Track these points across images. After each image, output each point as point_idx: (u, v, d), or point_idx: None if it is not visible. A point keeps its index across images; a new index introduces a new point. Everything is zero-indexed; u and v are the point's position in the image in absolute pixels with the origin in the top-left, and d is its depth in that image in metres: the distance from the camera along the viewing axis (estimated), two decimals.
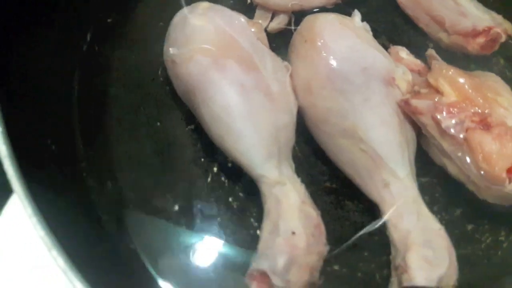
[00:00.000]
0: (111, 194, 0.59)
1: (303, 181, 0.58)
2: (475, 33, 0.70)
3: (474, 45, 0.70)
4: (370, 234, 0.58)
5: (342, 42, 0.62)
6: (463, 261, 0.58)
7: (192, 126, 0.62)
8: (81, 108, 0.62)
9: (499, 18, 0.73)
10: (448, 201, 0.62)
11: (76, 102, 0.62)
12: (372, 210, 0.59)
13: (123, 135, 0.63)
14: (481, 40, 0.70)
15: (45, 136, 0.54)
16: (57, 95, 0.60)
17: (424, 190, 0.61)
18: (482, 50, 0.70)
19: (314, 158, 0.63)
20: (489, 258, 0.61)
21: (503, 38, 0.70)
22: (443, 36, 0.72)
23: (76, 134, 0.60)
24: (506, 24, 0.72)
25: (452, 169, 0.60)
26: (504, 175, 0.55)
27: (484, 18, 0.71)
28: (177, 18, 0.65)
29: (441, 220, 0.59)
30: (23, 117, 0.51)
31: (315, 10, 0.71)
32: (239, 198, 0.60)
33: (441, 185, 0.62)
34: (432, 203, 0.61)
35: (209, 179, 0.61)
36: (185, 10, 0.65)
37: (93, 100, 0.64)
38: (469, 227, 0.62)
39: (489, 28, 0.69)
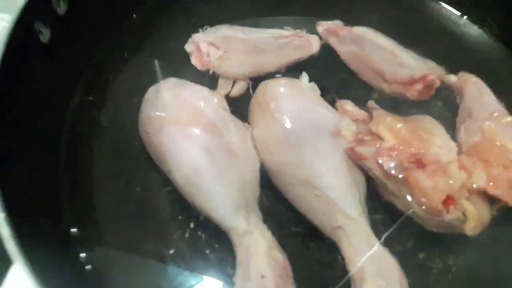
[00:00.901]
0: (99, 254, 0.65)
1: (271, 227, 0.66)
2: (412, 81, 0.78)
3: (413, 92, 0.78)
4: (334, 269, 0.65)
5: (292, 103, 0.71)
6: (418, 286, 0.66)
7: (169, 188, 0.69)
8: (67, 180, 0.70)
9: (433, 65, 0.82)
10: (400, 234, 0.68)
11: (63, 173, 0.70)
12: (333, 248, 0.66)
13: (106, 200, 0.70)
14: (418, 87, 0.78)
15: (39, 214, 0.61)
16: (45, 173, 0.68)
17: (379, 225, 0.69)
18: (420, 95, 0.79)
19: (280, 206, 0.70)
20: (441, 282, 0.67)
21: (438, 83, 0.79)
22: (384, 86, 0.80)
23: (65, 208, 0.67)
24: (440, 70, 0.82)
25: (399, 205, 0.68)
26: (440, 206, 0.63)
27: (420, 67, 0.80)
28: (149, 94, 0.74)
29: (395, 252, 0.65)
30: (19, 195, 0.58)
31: (270, 74, 0.80)
32: (215, 249, 0.67)
33: (392, 220, 0.68)
34: (386, 237, 0.67)
35: (187, 235, 0.67)
36: (156, 86, 0.75)
37: (78, 171, 0.71)
38: (421, 255, 0.69)
39: (425, 76, 0.78)
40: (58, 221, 0.65)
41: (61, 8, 0.71)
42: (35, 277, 0.49)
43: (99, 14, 0.78)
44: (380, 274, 0.62)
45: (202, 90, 0.73)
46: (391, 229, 0.67)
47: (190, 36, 0.81)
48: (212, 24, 0.83)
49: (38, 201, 0.63)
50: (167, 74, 0.78)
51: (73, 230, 0.66)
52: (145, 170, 0.72)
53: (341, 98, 0.78)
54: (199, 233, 0.68)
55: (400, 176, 0.65)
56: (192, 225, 0.68)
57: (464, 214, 0.64)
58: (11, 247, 0.50)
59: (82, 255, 0.65)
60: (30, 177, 0.63)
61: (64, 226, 0.65)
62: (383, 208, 0.70)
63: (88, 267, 0.64)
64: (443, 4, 0.92)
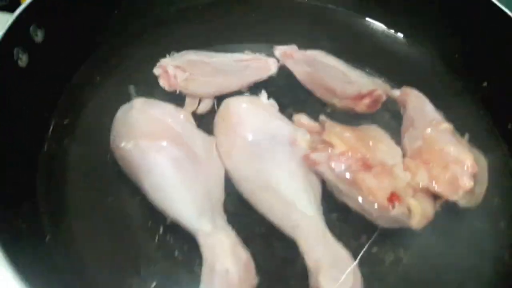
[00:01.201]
0: (73, 261, 0.70)
1: (235, 229, 0.70)
2: (361, 96, 0.86)
3: (361, 106, 0.86)
4: (295, 264, 0.71)
5: (252, 117, 0.78)
6: (372, 278, 0.71)
7: (139, 197, 0.74)
8: (43, 191, 0.75)
9: (379, 82, 0.91)
10: (354, 230, 0.75)
11: (39, 185, 0.75)
12: (293, 246, 0.71)
13: (80, 209, 0.74)
14: (366, 101, 0.86)
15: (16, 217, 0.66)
16: (22, 185, 0.73)
17: (334, 223, 0.74)
18: (368, 109, 0.86)
19: (244, 209, 0.74)
20: (393, 273, 0.73)
21: (384, 98, 0.88)
22: (336, 101, 0.88)
23: (42, 213, 0.72)
24: (385, 86, 0.90)
25: (351, 204, 0.73)
26: (385, 203, 0.70)
27: (367, 83, 0.88)
28: (119, 112, 0.80)
29: (350, 247, 0.71)
30: None
31: (232, 93, 0.87)
32: (183, 251, 0.71)
33: (346, 218, 0.75)
34: (341, 233, 0.72)
35: (156, 239, 0.72)
36: (126, 106, 0.81)
37: (53, 184, 0.76)
38: (374, 249, 0.74)
39: (372, 91, 0.86)
40: (35, 227, 0.69)
41: (38, 37, 0.77)
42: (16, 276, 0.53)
43: (73, 43, 0.85)
44: (334, 265, 0.67)
45: (169, 107, 0.80)
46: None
47: (158, 61, 0.88)
48: (178, 50, 0.91)
49: (16, 208, 0.68)
50: (137, 96, 0.84)
51: (48, 236, 0.71)
52: (117, 182, 0.76)
53: (297, 113, 0.85)
54: (168, 237, 0.72)
55: (349, 177, 0.72)
56: (161, 230, 0.73)
57: (409, 210, 0.72)
58: None
59: (57, 257, 0.69)
60: (9, 188, 0.68)
61: (40, 232, 0.69)
62: (337, 208, 0.75)
63: (63, 266, 0.68)
64: (388, 29, 1.02)
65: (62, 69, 0.84)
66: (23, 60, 0.74)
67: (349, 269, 0.67)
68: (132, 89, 0.87)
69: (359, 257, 0.71)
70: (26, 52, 0.75)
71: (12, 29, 0.72)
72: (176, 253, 0.71)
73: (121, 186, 0.77)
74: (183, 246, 0.72)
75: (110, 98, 0.86)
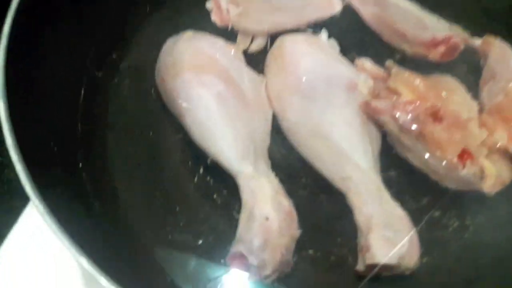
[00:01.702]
0: (109, 196, 0.66)
1: (280, 177, 0.65)
2: (435, 43, 0.76)
3: (435, 54, 0.76)
4: (342, 221, 0.64)
5: (307, 58, 0.71)
6: (432, 244, 0.64)
7: (181, 135, 0.70)
8: (84, 124, 0.71)
9: (457, 29, 0.80)
10: (415, 191, 0.67)
11: (80, 117, 0.71)
12: (342, 200, 0.64)
13: (119, 145, 0.71)
14: (441, 49, 0.76)
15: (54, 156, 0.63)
16: (63, 113, 0.69)
17: (393, 182, 0.67)
18: (443, 58, 0.76)
19: (291, 157, 0.69)
20: (457, 241, 0.65)
21: (462, 46, 0.77)
22: (406, 47, 0.78)
23: (80, 150, 0.69)
24: (464, 34, 0.79)
25: (415, 161, 0.66)
26: (455, 160, 0.61)
27: (444, 29, 0.78)
28: (167, 45, 0.75)
29: (410, 208, 0.64)
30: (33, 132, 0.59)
31: (289, 31, 0.79)
32: (222, 195, 0.66)
33: (408, 177, 0.67)
34: (401, 193, 0.66)
35: (195, 179, 0.67)
36: (174, 38, 0.75)
37: (95, 116, 0.72)
38: (437, 213, 0.66)
39: (448, 38, 0.76)
40: (72, 161, 0.66)
41: None
42: (49, 215, 0.50)
43: None
44: (388, 225, 0.60)
45: (218, 42, 0.74)
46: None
47: None
48: None
49: (54, 142, 0.63)
50: (188, 29, 0.78)
51: (85, 173, 0.67)
52: (160, 117, 0.72)
53: (361, 57, 0.77)
54: (207, 178, 0.68)
55: (415, 129, 0.63)
56: (201, 170, 0.68)
57: (482, 171, 0.62)
58: (26, 185, 0.51)
59: (93, 195, 0.66)
60: (49, 119, 0.64)
61: (78, 168, 0.66)
62: (398, 165, 0.68)
63: (97, 206, 0.65)
64: None
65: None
66: None
67: (406, 233, 0.59)
68: (181, 23, 0.80)
69: (421, 222, 0.63)
70: None
71: None
72: (215, 195, 0.67)
73: (164, 121, 0.72)
74: (223, 189, 0.67)
75: (159, 30, 0.80)
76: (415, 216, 0.64)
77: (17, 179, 0.51)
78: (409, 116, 0.64)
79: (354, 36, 0.81)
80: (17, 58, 0.58)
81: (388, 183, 0.66)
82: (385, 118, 0.66)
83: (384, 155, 0.68)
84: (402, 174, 0.68)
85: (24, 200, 0.70)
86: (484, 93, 0.71)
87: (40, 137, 0.60)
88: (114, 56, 0.79)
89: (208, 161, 0.66)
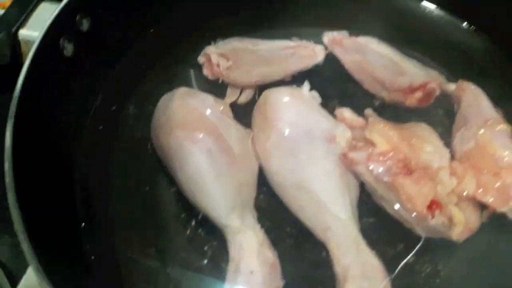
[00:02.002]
0: (105, 247, 0.72)
1: (266, 227, 0.70)
2: (412, 89, 0.80)
3: (412, 100, 0.80)
4: (324, 270, 0.68)
5: (290, 111, 0.75)
6: None
7: (175, 188, 0.75)
8: (83, 175, 0.77)
9: (434, 73, 0.84)
10: (391, 238, 0.71)
11: (78, 171, 0.77)
12: (324, 249, 0.69)
13: (117, 197, 0.76)
14: (418, 94, 0.80)
15: (52, 208, 0.69)
16: (61, 171, 0.75)
17: (371, 228, 0.71)
18: (420, 103, 0.80)
19: (276, 207, 0.73)
20: (429, 286, 0.68)
21: (438, 92, 0.81)
22: (384, 94, 0.82)
23: (78, 202, 0.75)
24: (440, 79, 0.83)
25: (389, 210, 0.70)
26: (424, 211, 0.65)
27: (421, 75, 0.82)
28: (161, 102, 0.81)
29: (386, 255, 0.68)
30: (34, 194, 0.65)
31: (275, 82, 0.85)
32: (212, 246, 0.71)
33: (384, 224, 0.71)
34: (378, 239, 0.70)
35: (188, 232, 0.73)
36: (168, 95, 0.81)
37: (93, 168, 0.79)
38: (411, 259, 0.70)
39: (425, 84, 0.80)
40: (70, 214, 0.72)
41: (84, 26, 0.79)
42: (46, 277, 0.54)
43: (119, 31, 0.85)
44: (363, 275, 0.64)
45: (208, 99, 0.79)
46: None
47: (203, 49, 0.88)
48: (224, 37, 0.90)
49: (52, 194, 0.70)
50: (181, 83, 0.84)
51: (83, 224, 0.73)
52: (155, 171, 0.78)
53: (343, 106, 0.81)
54: (199, 230, 0.73)
55: (388, 181, 0.68)
56: (193, 223, 0.73)
57: (450, 220, 0.66)
58: (27, 248, 0.55)
59: (88, 246, 0.71)
60: (47, 173, 0.70)
61: (75, 220, 0.72)
62: (375, 212, 0.72)
63: (93, 258, 0.70)
64: (448, 14, 0.93)
65: (107, 58, 0.85)
66: (68, 49, 0.76)
67: (380, 282, 0.64)
68: (175, 77, 0.87)
69: (396, 268, 0.68)
70: (72, 42, 0.76)
71: (58, 19, 0.73)
72: (206, 247, 0.72)
73: (159, 176, 0.78)
74: (213, 241, 0.72)
75: (154, 86, 0.87)
76: (391, 262, 0.68)
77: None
78: (382, 168, 0.68)
79: (337, 84, 0.86)
80: (24, 123, 0.65)
81: (367, 230, 0.70)
82: (361, 169, 0.70)
83: (363, 202, 0.72)
84: (379, 221, 0.72)
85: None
86: (456, 139, 0.75)
87: (41, 197, 0.66)
88: (112, 111, 0.86)
89: (200, 215, 0.72)
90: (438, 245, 0.69)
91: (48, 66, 0.72)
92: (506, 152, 0.69)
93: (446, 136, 0.76)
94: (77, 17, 0.78)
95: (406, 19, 0.94)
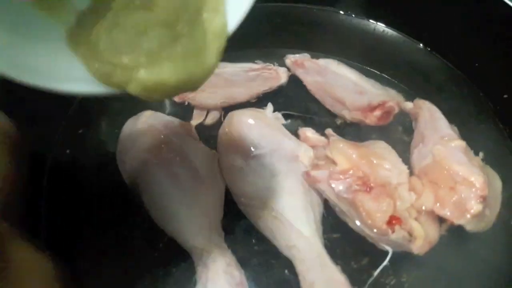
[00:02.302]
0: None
1: (233, 247, 0.71)
2: (371, 108, 0.83)
3: (372, 118, 0.83)
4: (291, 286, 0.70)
5: (254, 132, 0.78)
6: None
7: (142, 210, 0.75)
8: (49, 196, 0.78)
9: (392, 92, 0.87)
10: (355, 252, 0.73)
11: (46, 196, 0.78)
12: (291, 266, 0.70)
13: (86, 219, 0.77)
14: (377, 113, 0.83)
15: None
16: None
17: (336, 243, 0.73)
18: (379, 121, 0.83)
19: (244, 226, 0.75)
20: None
21: (396, 110, 0.84)
22: (345, 113, 0.85)
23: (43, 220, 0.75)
24: (398, 97, 0.87)
25: (352, 225, 0.72)
26: (384, 227, 0.67)
27: (379, 94, 0.85)
28: (126, 126, 0.82)
29: (351, 269, 0.70)
30: None
31: (241, 104, 0.86)
32: (180, 267, 0.71)
33: (348, 238, 0.73)
34: (342, 254, 0.72)
35: (156, 254, 0.73)
36: (133, 119, 0.82)
37: (60, 194, 0.79)
38: (375, 273, 0.72)
39: (384, 103, 0.83)
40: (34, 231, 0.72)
41: None
42: None
43: None
44: None
45: (173, 121, 0.81)
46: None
47: None
48: None
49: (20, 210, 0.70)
50: (146, 107, 0.86)
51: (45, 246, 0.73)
52: (123, 194, 0.78)
53: (305, 125, 0.84)
54: (167, 252, 0.73)
55: (348, 198, 0.70)
56: (161, 245, 0.74)
57: (410, 234, 0.69)
58: None
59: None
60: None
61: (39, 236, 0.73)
62: (339, 228, 0.74)
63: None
64: (407, 37, 0.98)
65: None
66: None
67: None
68: (141, 101, 0.87)
69: (361, 281, 0.70)
70: None
71: None
72: (174, 269, 0.72)
73: (126, 199, 0.78)
74: (181, 263, 0.72)
75: (120, 109, 0.87)
76: (357, 276, 0.70)
77: None
78: (342, 185, 0.71)
79: (300, 105, 0.89)
80: None
81: (332, 245, 0.72)
82: (323, 187, 0.73)
83: (327, 218, 0.74)
84: (343, 236, 0.74)
85: None
86: (414, 155, 0.78)
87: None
88: (79, 135, 0.86)
89: (166, 238, 0.72)
90: (401, 258, 0.71)
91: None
92: (461, 167, 0.72)
93: (406, 152, 0.79)
94: None
95: (366, 41, 0.98)
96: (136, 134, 0.78)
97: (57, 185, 0.80)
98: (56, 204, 0.78)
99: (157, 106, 0.87)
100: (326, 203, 0.75)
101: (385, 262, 0.72)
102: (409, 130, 0.85)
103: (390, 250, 0.71)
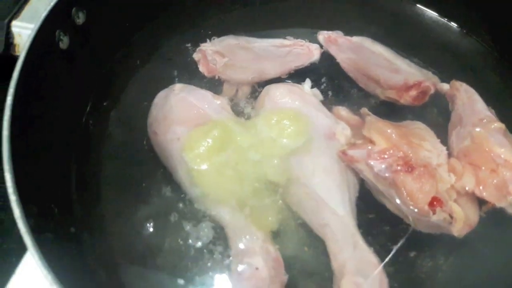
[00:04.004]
0: (102, 244, 0.70)
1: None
2: (406, 87, 0.81)
3: (406, 98, 0.81)
4: (326, 265, 0.69)
5: (290, 106, 0.76)
6: (408, 284, 0.69)
7: (173, 184, 0.74)
8: (78, 174, 0.75)
9: (428, 73, 0.85)
10: (391, 233, 0.71)
11: (74, 172, 0.75)
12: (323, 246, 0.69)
13: (112, 194, 0.75)
14: (412, 93, 0.81)
15: (49, 201, 0.67)
16: (58, 166, 0.73)
17: (371, 224, 0.72)
18: (414, 102, 0.81)
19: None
20: (431, 280, 0.69)
21: (432, 91, 0.83)
22: (379, 92, 0.83)
23: (74, 199, 0.73)
24: (434, 78, 0.85)
25: (389, 206, 0.71)
26: (426, 208, 0.66)
27: (415, 74, 0.84)
28: (158, 98, 0.80)
29: (386, 250, 0.69)
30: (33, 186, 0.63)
31: (272, 80, 0.84)
32: (215, 243, 0.70)
33: (384, 220, 0.72)
34: (378, 235, 0.71)
35: (187, 228, 0.71)
36: (164, 91, 0.80)
37: (89, 167, 0.77)
38: (412, 254, 0.71)
39: (419, 82, 0.81)
40: (67, 210, 0.70)
41: (80, 19, 0.77)
42: (45, 265, 0.53)
43: (114, 26, 0.84)
44: (360, 271, 0.64)
45: (206, 94, 0.79)
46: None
47: (198, 46, 0.87)
48: (219, 35, 0.89)
49: (50, 191, 0.68)
50: (176, 81, 0.84)
51: (80, 221, 0.71)
52: (151, 168, 0.77)
53: (338, 104, 0.82)
54: (199, 228, 0.71)
55: (388, 178, 0.69)
56: (192, 220, 0.72)
57: (451, 216, 0.67)
58: (24, 235, 0.54)
59: (87, 242, 0.70)
60: (45, 169, 0.68)
61: (72, 216, 0.71)
62: (375, 208, 0.73)
63: (92, 255, 0.69)
64: (440, 17, 0.95)
65: (103, 52, 0.83)
66: (64, 42, 0.74)
67: (376, 278, 0.64)
68: (170, 74, 0.86)
69: (396, 263, 0.68)
70: (67, 34, 0.74)
71: (54, 11, 0.71)
72: (211, 246, 0.70)
73: (155, 172, 0.76)
74: (215, 237, 0.70)
75: (149, 82, 0.86)
76: (392, 258, 0.68)
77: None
78: (382, 165, 0.69)
79: (333, 83, 0.87)
80: (21, 113, 0.63)
81: (367, 226, 0.70)
82: (361, 166, 0.71)
83: (363, 199, 0.73)
84: (379, 218, 0.72)
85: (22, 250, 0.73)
86: (453, 137, 0.77)
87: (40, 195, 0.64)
88: (106, 106, 0.84)
89: (200, 215, 0.71)
90: (439, 241, 0.70)
91: (44, 57, 0.70)
92: (502, 150, 0.70)
93: (442, 134, 0.78)
94: (73, 10, 0.76)
95: (401, 21, 0.96)
96: (169, 106, 0.76)
97: (83, 156, 0.78)
98: (83, 180, 0.76)
99: (188, 81, 0.85)
100: (361, 184, 0.74)
101: (418, 242, 0.70)
102: (444, 112, 0.83)
103: (424, 231, 0.70)
